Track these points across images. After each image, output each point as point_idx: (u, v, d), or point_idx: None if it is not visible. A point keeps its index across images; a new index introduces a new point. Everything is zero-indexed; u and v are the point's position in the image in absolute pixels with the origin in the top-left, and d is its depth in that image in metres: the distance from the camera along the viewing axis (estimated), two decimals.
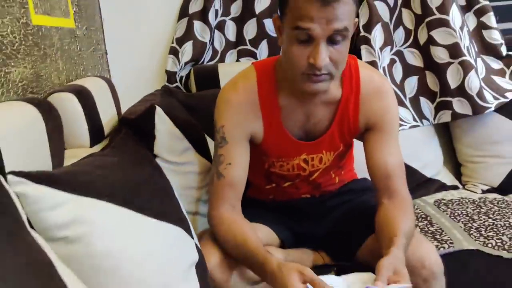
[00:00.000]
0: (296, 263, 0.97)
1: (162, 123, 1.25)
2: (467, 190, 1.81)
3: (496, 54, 1.83)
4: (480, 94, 1.72)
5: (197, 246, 1.02)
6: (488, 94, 1.75)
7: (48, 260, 0.64)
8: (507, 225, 1.48)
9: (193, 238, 1.02)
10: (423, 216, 1.58)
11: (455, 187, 1.82)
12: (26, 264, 0.59)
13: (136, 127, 1.23)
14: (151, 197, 0.94)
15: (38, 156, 0.93)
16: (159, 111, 1.25)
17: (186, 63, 1.86)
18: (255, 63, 1.24)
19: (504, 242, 1.40)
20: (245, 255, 1.06)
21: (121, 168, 0.94)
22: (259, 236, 1.18)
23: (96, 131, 1.26)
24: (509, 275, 1.35)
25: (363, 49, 1.76)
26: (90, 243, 0.75)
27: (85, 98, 1.24)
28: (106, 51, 1.90)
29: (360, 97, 1.19)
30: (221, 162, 1.18)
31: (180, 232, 0.96)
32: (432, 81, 1.80)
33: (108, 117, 1.37)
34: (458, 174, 1.89)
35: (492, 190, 1.79)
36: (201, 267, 1.00)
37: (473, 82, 1.72)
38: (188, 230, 1.00)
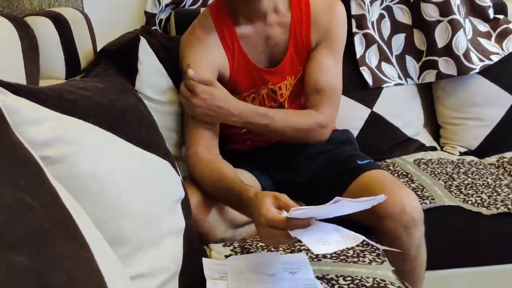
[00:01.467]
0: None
1: (146, 56, 1.17)
2: (445, 152, 1.81)
3: (484, 17, 1.81)
4: (466, 55, 1.71)
5: (182, 183, 0.96)
6: (474, 56, 1.73)
7: (33, 158, 0.57)
8: (485, 184, 1.49)
9: (179, 175, 0.96)
10: (403, 173, 1.57)
11: (433, 149, 1.82)
12: (13, 158, 0.52)
13: (118, 59, 1.14)
14: (137, 126, 0.87)
15: (12, 76, 0.84)
16: (143, 43, 1.17)
17: (166, 5, 1.76)
18: (210, 5, 1.29)
19: (483, 200, 1.41)
20: (222, 190, 1.04)
21: (106, 93, 0.86)
22: (242, 179, 1.15)
23: (72, 63, 1.17)
24: (488, 231, 1.37)
25: (353, 1, 1.71)
26: (74, 164, 0.68)
27: (61, 25, 1.14)
28: None
29: (311, 16, 1.25)
30: None
31: (167, 165, 0.90)
32: (419, 40, 1.77)
33: (84, 51, 1.28)
34: (437, 136, 1.89)
35: (469, 152, 1.80)
36: (186, 205, 0.95)
37: (461, 42, 1.70)
38: (174, 166, 0.94)
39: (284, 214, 0.85)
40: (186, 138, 1.20)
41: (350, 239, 0.83)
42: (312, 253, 1.04)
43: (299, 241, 0.82)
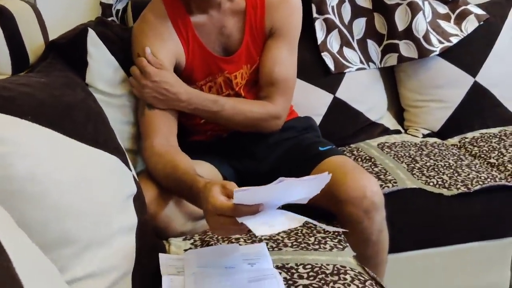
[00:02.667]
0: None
1: (95, 48, 1.13)
2: (409, 134, 1.83)
3: None
4: (426, 37, 1.71)
5: (135, 179, 0.94)
6: (433, 38, 1.74)
7: None
8: (447, 165, 1.51)
9: (130, 170, 0.93)
10: (367, 157, 1.57)
11: (397, 132, 1.83)
12: None
13: (66, 52, 1.10)
14: (84, 122, 0.84)
15: None
16: (91, 35, 1.13)
17: None
18: None
19: (444, 181, 1.42)
20: (175, 182, 1.02)
21: (49, 88, 0.83)
22: (201, 172, 1.13)
23: (19, 57, 1.12)
24: (449, 211, 1.39)
25: None
26: (10, 165, 0.65)
27: (5, 18, 1.09)
28: None
29: (265, 3, 1.24)
30: None
31: (116, 161, 0.87)
32: (380, 23, 1.77)
33: (34, 46, 1.23)
34: (400, 119, 1.90)
35: (432, 134, 1.82)
36: (139, 201, 0.92)
37: (420, 25, 1.71)
38: (125, 161, 0.92)
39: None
40: (141, 130, 1.18)
41: (296, 221, 0.82)
42: (272, 243, 1.04)
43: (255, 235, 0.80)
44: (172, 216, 1.10)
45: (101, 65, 1.14)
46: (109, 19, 1.72)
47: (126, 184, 0.88)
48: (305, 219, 0.83)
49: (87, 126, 0.84)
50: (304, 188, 0.86)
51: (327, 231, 1.11)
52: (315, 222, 0.89)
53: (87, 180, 0.76)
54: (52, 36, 1.40)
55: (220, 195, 0.85)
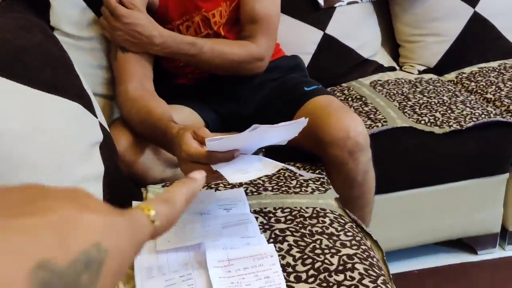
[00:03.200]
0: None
1: None
2: (404, 71, 1.76)
3: None
4: None
5: (101, 125, 0.90)
6: None
7: None
8: (440, 102, 1.45)
9: (96, 117, 0.89)
10: (357, 97, 1.52)
11: (392, 69, 1.76)
12: None
13: None
14: (40, 66, 0.79)
15: None
16: None
17: None
18: None
19: (436, 119, 1.37)
20: (149, 128, 0.98)
21: (1, 31, 0.77)
22: (181, 117, 1.09)
23: None
24: (441, 149, 1.35)
25: None
26: None
27: None
28: None
29: None
30: None
31: (78, 108, 0.82)
32: None
33: None
34: (395, 56, 1.82)
35: (428, 70, 1.74)
36: (107, 148, 0.88)
37: None
38: (90, 108, 0.87)
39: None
40: (115, 75, 1.12)
41: (271, 166, 0.79)
42: (252, 187, 1.01)
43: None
44: (150, 163, 1.07)
45: (66, 5, 1.07)
46: None
47: (89, 132, 0.84)
48: (281, 165, 0.79)
49: (44, 71, 0.79)
50: (280, 133, 0.82)
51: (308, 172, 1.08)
52: (292, 168, 0.85)
53: (42, 129, 0.72)
54: None
55: (194, 142, 0.81)
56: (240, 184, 1.02)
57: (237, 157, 0.78)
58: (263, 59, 1.20)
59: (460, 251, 1.54)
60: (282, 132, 0.82)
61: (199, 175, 0.44)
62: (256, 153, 1.22)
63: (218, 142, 0.74)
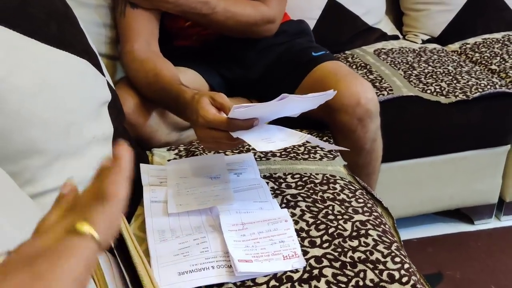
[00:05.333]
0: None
1: None
2: (407, 40, 1.73)
3: None
4: None
5: (109, 85, 0.86)
6: None
7: None
8: (446, 72, 1.43)
9: (104, 75, 0.85)
10: (362, 64, 1.49)
11: (395, 37, 1.73)
12: None
13: None
14: (45, 20, 0.75)
15: None
16: None
17: None
18: None
19: (442, 88, 1.35)
20: (158, 92, 0.94)
21: None
22: (185, 81, 1.06)
23: None
24: (445, 119, 1.34)
25: None
26: None
27: None
28: None
29: None
30: None
31: (86, 65, 0.79)
32: None
33: None
34: (399, 24, 1.79)
35: (432, 40, 1.72)
36: (115, 108, 0.85)
37: None
38: (97, 65, 0.83)
39: (224, 115, 0.78)
40: (120, 33, 1.08)
41: (296, 137, 0.77)
42: (260, 153, 0.99)
43: (243, 145, 0.75)
44: (156, 126, 1.04)
45: None
46: None
47: (98, 90, 0.80)
48: (308, 136, 0.77)
49: (50, 25, 0.75)
50: (305, 103, 0.80)
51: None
52: (316, 142, 0.83)
53: (51, 85, 0.68)
54: None
55: (212, 108, 0.78)
56: (248, 150, 1.00)
57: (255, 126, 0.76)
58: (274, 21, 1.16)
59: (457, 221, 1.55)
60: (307, 103, 0.80)
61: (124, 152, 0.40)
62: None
63: (244, 110, 0.72)
